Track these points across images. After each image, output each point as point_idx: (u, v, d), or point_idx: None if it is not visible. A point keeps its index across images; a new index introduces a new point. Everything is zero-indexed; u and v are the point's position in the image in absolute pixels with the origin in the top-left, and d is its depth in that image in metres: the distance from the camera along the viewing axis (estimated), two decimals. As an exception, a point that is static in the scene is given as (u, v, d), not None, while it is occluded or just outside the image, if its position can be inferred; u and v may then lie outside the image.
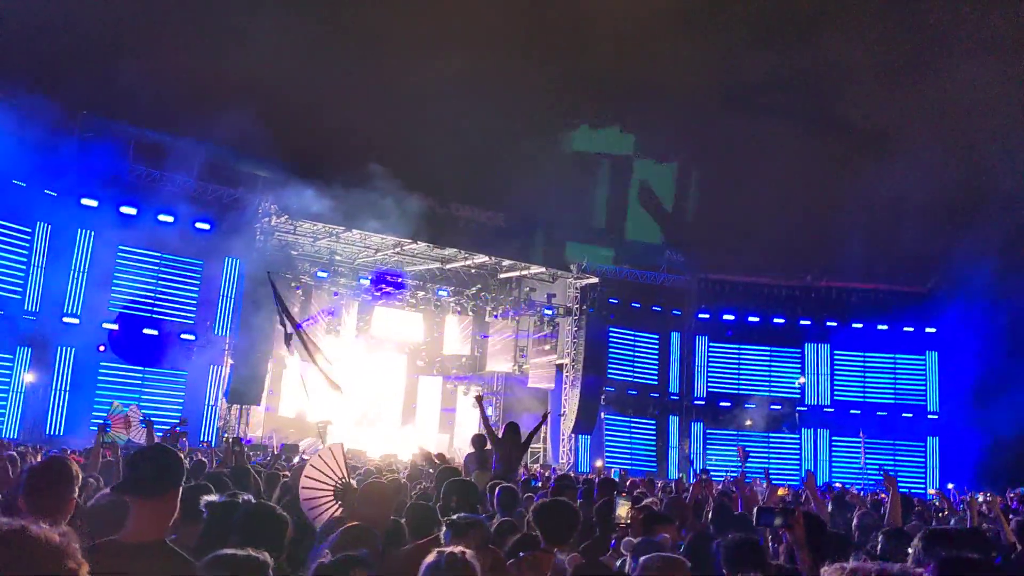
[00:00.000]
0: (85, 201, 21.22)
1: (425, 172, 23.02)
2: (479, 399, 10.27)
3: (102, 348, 22.08)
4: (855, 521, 7.01)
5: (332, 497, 5.41)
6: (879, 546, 5.01)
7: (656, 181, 32.92)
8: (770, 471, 12.74)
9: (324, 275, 23.62)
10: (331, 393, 22.27)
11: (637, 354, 28.68)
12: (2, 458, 7.69)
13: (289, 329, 18.01)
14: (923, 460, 28.36)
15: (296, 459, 12.50)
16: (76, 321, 21.58)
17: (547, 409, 15.23)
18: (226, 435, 15.72)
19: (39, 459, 7.49)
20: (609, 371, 27.22)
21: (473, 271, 26.00)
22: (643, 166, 33.26)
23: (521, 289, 26.79)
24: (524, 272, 26.19)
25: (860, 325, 28.76)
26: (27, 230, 21.24)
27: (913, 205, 27.79)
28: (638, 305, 28.23)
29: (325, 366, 15.89)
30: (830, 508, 7.80)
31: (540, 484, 10.30)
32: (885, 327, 28.69)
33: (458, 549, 3.04)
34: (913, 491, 22.34)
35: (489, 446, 9.64)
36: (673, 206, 31.93)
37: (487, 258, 24.98)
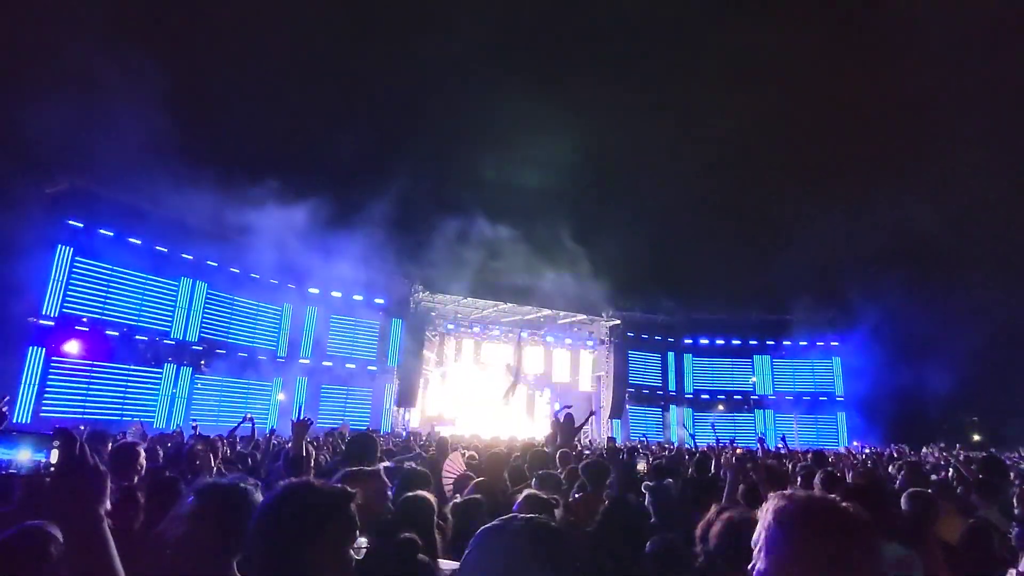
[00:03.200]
0: (311, 290, 35.54)
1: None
2: (568, 410, 23.91)
3: (325, 380, 36.52)
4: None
5: (454, 485, 7.43)
6: None
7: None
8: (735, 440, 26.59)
9: (452, 326, 38.06)
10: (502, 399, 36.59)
11: (647, 367, 42.49)
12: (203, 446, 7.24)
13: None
14: (834, 429, 43.01)
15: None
16: (308, 362, 35.85)
17: (592, 409, 28.44)
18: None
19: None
20: (630, 379, 40.47)
21: (542, 319, 40.59)
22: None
23: (572, 328, 41.34)
24: (574, 319, 40.73)
25: (773, 342, 43.50)
26: (277, 308, 35.53)
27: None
28: (646, 336, 42.42)
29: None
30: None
31: (589, 453, 13.05)
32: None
33: (547, 495, 4.51)
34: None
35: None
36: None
37: (551, 311, 39.56)
